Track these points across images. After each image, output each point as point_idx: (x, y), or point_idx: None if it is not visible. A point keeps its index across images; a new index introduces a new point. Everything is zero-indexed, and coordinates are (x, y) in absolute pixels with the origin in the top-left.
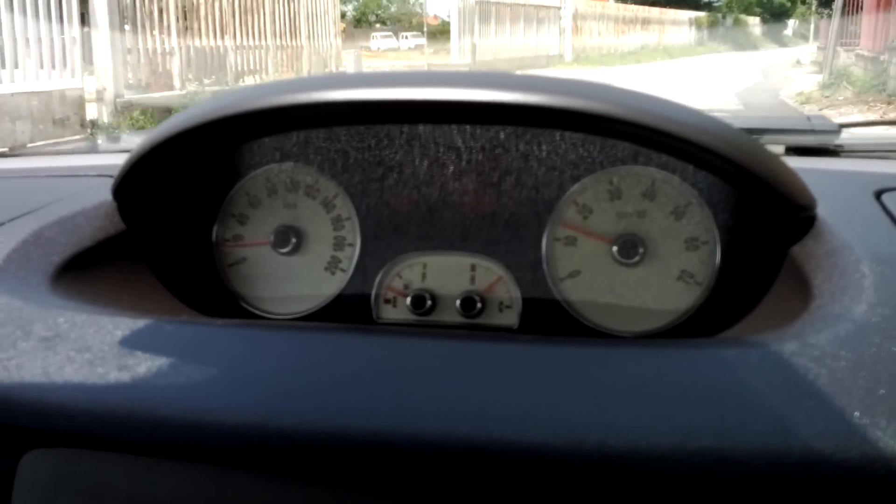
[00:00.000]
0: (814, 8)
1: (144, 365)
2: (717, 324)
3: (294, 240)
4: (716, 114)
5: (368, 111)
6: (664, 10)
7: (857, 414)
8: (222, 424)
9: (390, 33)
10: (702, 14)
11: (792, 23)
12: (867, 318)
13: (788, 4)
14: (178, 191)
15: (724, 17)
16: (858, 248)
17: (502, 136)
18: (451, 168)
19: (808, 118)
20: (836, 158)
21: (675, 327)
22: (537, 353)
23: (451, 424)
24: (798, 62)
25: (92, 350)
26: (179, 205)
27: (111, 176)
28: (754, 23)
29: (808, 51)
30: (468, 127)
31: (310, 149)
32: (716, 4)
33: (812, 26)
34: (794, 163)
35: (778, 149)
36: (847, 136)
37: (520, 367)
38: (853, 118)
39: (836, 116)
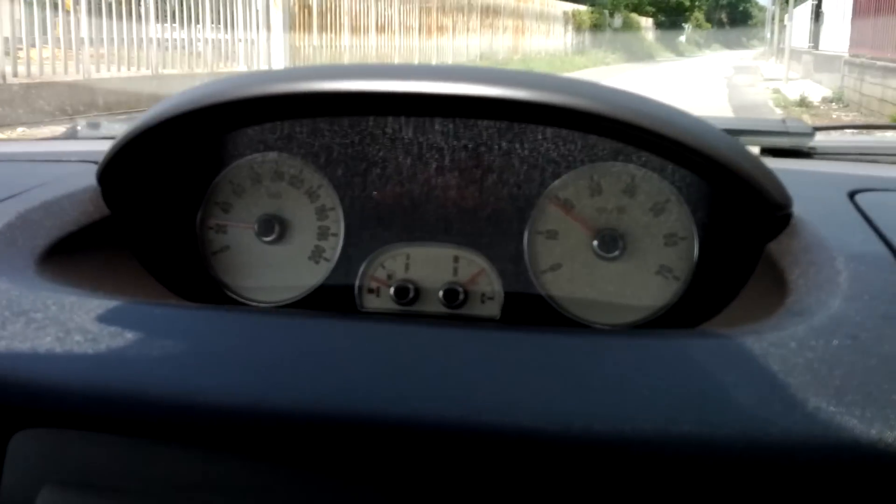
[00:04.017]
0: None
1: (134, 346)
2: (695, 318)
3: (278, 228)
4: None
5: (355, 102)
6: None
7: (832, 402)
8: (211, 404)
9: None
10: (582, 8)
11: (687, 28)
12: (842, 311)
13: (687, 3)
14: (163, 177)
15: (611, 16)
16: (833, 245)
17: (485, 135)
18: (435, 165)
19: (784, 121)
20: (811, 160)
21: (653, 321)
22: (522, 341)
23: (437, 408)
24: (786, 108)
25: (81, 331)
26: (164, 191)
27: (93, 162)
28: (647, 25)
29: (749, 62)
30: (451, 126)
31: (293, 144)
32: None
33: (782, 29)
34: (769, 164)
35: (753, 150)
36: (821, 138)
37: (505, 353)
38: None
39: None
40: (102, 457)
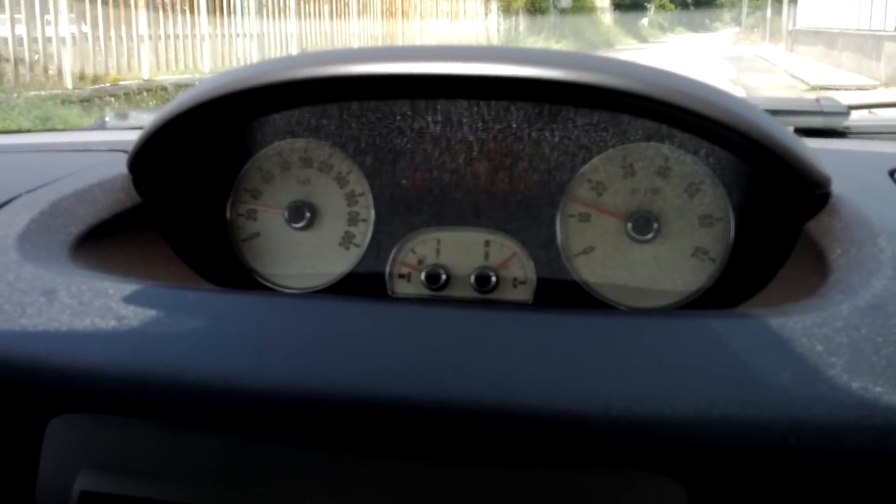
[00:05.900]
0: None
1: (168, 331)
2: (732, 300)
3: (308, 215)
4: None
5: (384, 85)
6: None
7: (879, 382)
8: (246, 388)
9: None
10: None
11: (650, 9)
12: (887, 291)
13: None
14: (193, 165)
15: None
16: (875, 223)
17: (514, 125)
18: (464, 155)
19: (818, 100)
20: (846, 140)
21: (689, 304)
22: (556, 323)
23: (473, 390)
24: None
25: (116, 316)
26: (194, 179)
27: (122, 151)
28: (603, 5)
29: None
30: (480, 117)
31: (321, 132)
32: None
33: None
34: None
35: None
36: (856, 117)
37: (540, 335)
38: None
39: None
40: (138, 441)
